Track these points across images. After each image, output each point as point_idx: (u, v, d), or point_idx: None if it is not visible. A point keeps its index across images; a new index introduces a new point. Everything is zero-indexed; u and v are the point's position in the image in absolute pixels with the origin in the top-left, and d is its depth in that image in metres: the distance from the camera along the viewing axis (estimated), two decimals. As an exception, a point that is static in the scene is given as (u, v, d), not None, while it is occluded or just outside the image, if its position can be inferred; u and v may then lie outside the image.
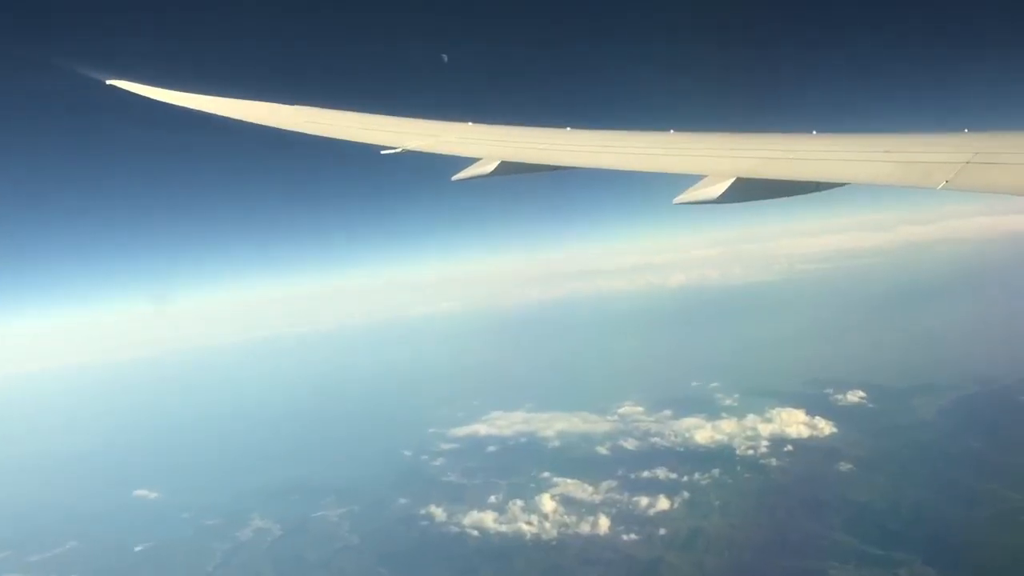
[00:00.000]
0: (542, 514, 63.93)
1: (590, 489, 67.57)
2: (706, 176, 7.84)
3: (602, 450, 78.45)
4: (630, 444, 78.94)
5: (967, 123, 7.27)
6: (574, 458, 76.46)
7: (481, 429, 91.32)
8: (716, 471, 67.32)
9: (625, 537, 58.99)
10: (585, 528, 61.07)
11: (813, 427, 74.80)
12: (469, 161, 9.86)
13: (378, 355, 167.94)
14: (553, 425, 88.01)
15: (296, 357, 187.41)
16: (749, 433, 75.51)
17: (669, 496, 63.57)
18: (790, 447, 71.27)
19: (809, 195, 7.58)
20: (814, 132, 8.23)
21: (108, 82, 14.62)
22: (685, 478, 66.80)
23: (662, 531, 58.76)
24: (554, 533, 61.14)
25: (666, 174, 8.49)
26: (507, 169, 9.57)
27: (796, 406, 79.27)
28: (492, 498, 68.25)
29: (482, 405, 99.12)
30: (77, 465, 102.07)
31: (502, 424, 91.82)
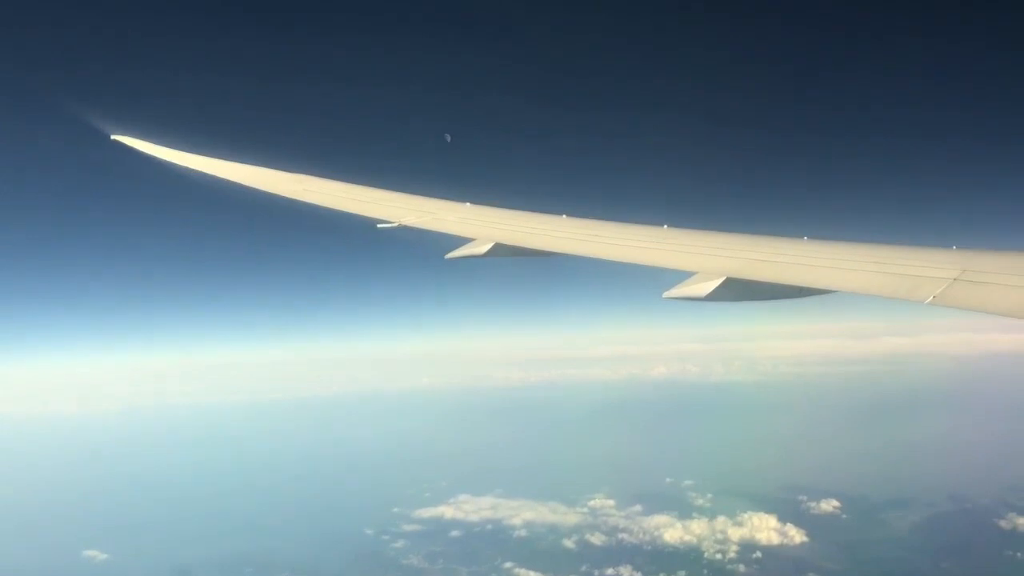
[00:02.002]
0: (502, 606, 61.99)
1: (552, 584, 65.77)
2: (697, 273, 7.97)
3: (568, 543, 76.68)
4: (597, 539, 77.27)
5: (954, 240, 7.46)
6: (539, 550, 74.64)
7: (447, 512, 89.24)
8: (682, 574, 65.85)
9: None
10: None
11: (784, 534, 73.67)
12: (464, 240, 9.98)
13: (351, 427, 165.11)
14: (521, 513, 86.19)
15: (268, 424, 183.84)
16: (719, 536, 74.20)
17: (633, 596, 61.94)
18: (759, 554, 69.97)
19: (797, 299, 7.69)
20: (805, 238, 8.41)
21: (113, 137, 14.81)
22: (650, 579, 65.26)
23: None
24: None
25: (657, 268, 8.61)
26: (501, 251, 9.68)
27: (768, 511, 78.23)
28: (451, 586, 66.23)
29: (451, 487, 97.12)
30: (28, 519, 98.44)
31: (469, 508, 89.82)
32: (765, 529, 74.50)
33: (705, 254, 8.61)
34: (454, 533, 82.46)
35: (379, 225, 10.92)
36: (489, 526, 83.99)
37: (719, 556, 69.86)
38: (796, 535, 73.35)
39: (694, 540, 73.90)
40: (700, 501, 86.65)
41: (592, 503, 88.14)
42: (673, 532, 76.12)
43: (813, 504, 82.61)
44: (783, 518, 76.39)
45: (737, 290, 7.63)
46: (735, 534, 73.91)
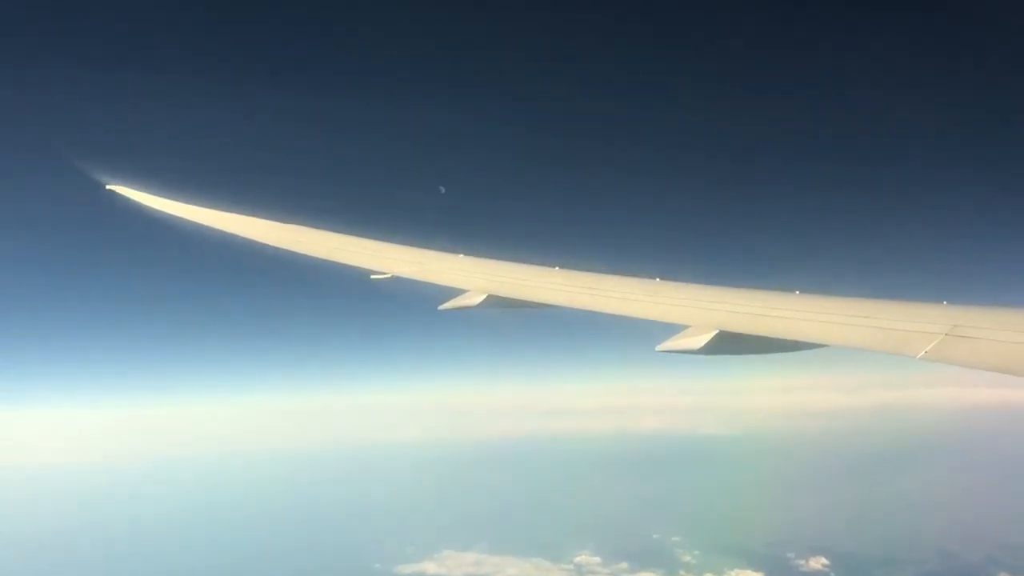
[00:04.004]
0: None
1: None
2: (689, 326, 8.01)
3: (553, 601, 75.32)
4: (583, 597, 75.96)
5: (945, 296, 7.53)
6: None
7: (430, 568, 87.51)
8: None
9: None
10: None
11: (772, 593, 72.73)
12: (457, 291, 10.01)
13: (335, 480, 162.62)
14: (505, 570, 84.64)
15: (249, 477, 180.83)
16: (706, 594, 73.17)
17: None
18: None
19: (788, 353, 7.73)
20: (797, 292, 8.47)
21: (108, 187, 14.87)
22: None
23: None
24: None
25: (650, 320, 8.64)
26: (494, 303, 9.72)
27: (756, 568, 77.27)
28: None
29: (434, 542, 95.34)
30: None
31: (452, 564, 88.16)
32: (753, 587, 73.54)
33: (697, 307, 8.66)
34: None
35: (372, 276, 10.96)
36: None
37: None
38: (784, 594, 72.39)
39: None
40: (687, 558, 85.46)
41: (577, 559, 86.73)
42: (660, 590, 74.96)
43: (801, 561, 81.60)
44: (771, 575, 75.39)
45: (729, 343, 7.67)
46: (722, 592, 72.88)
